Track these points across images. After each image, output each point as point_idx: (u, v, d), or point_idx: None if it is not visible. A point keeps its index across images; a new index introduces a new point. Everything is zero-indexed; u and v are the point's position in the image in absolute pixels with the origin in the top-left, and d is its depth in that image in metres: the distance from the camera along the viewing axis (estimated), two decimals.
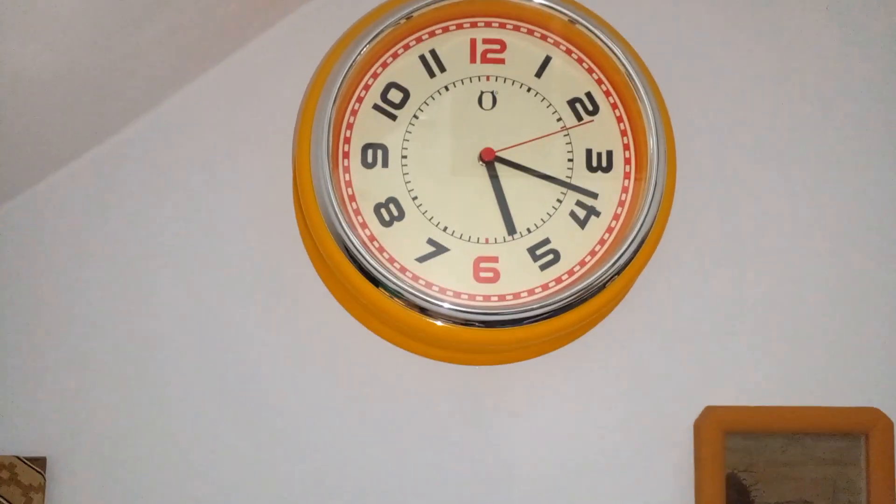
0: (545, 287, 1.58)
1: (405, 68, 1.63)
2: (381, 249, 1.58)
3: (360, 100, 1.62)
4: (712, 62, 1.74)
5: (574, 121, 1.64)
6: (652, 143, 1.59)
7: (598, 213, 1.61)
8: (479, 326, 1.56)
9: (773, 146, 1.73)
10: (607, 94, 1.65)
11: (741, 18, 1.75)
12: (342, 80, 1.57)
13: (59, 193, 1.64)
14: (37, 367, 1.60)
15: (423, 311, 1.54)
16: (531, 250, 1.60)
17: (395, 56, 1.63)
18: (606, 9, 1.67)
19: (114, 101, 1.60)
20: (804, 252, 1.71)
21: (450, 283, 1.57)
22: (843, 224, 1.72)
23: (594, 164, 1.63)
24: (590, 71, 1.65)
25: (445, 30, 1.64)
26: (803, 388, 1.68)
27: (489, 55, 1.64)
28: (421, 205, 1.60)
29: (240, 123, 1.67)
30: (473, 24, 1.65)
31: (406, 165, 1.61)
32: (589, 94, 1.64)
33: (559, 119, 1.64)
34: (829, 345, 1.69)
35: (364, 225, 1.58)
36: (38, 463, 1.56)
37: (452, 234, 1.59)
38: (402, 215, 1.59)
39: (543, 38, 1.66)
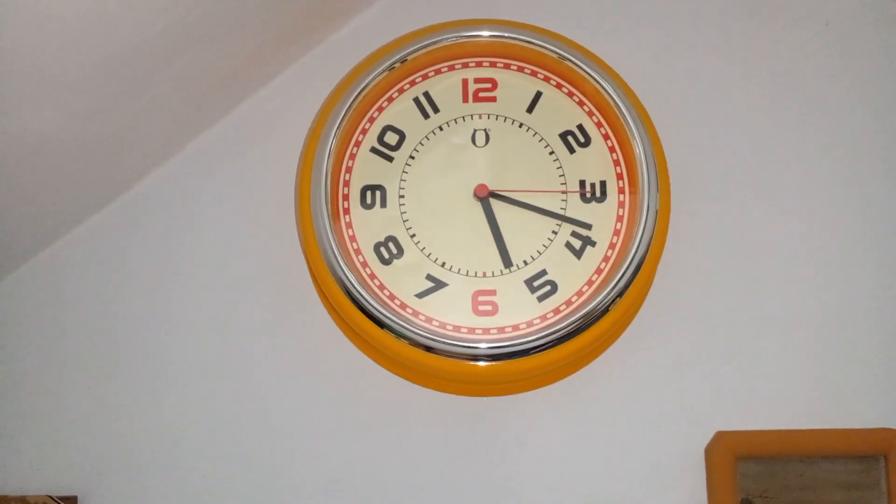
0: (544, 318, 1.61)
1: (400, 111, 1.69)
2: (381, 287, 1.62)
3: (357, 144, 1.68)
4: (706, 83, 1.75)
5: (566, 153, 1.66)
6: (642, 172, 1.60)
7: (593, 243, 1.63)
8: (485, 361, 1.58)
9: (772, 165, 1.73)
10: (598, 125, 1.67)
11: (736, 42, 1.77)
12: (338, 127, 1.64)
13: (79, 249, 1.72)
14: (66, 410, 1.67)
15: (428, 349, 1.58)
16: (528, 282, 1.62)
17: (390, 100, 1.69)
18: (596, 38, 1.71)
19: (126, 157, 1.69)
20: (813, 272, 1.70)
21: (450, 318, 1.60)
22: (851, 241, 1.71)
23: (588, 194, 1.65)
24: (580, 104, 1.68)
25: (438, 72, 1.70)
26: (817, 411, 1.66)
27: (481, 94, 1.69)
28: (419, 242, 1.64)
29: (248, 171, 1.74)
30: (465, 65, 1.70)
31: (403, 205, 1.65)
32: (580, 126, 1.67)
33: (552, 152, 1.67)
34: (842, 365, 1.67)
35: (364, 264, 1.63)
36: (69, 501, 1.62)
37: (450, 269, 1.63)
38: (400, 253, 1.64)
39: (534, 73, 1.70)
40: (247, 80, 1.72)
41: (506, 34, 1.67)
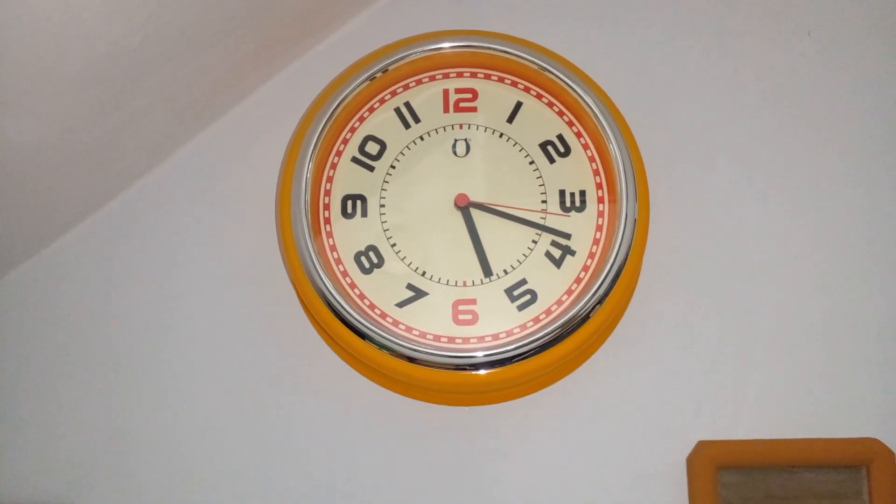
0: (523, 327, 1.61)
1: (381, 121, 1.70)
2: (361, 296, 1.62)
3: (339, 153, 1.69)
4: (686, 92, 1.76)
5: (546, 163, 1.67)
6: (621, 181, 1.61)
7: (573, 252, 1.63)
8: (466, 371, 1.58)
9: (754, 172, 1.73)
10: (578, 135, 1.68)
11: (717, 52, 1.77)
12: (319, 137, 1.65)
13: (66, 257, 1.73)
14: (58, 417, 1.68)
15: (410, 360, 1.58)
16: (508, 291, 1.62)
17: (371, 110, 1.70)
18: (576, 49, 1.72)
19: (108, 168, 1.70)
20: (796, 279, 1.70)
21: (430, 327, 1.61)
22: (834, 250, 1.71)
23: (568, 203, 1.65)
24: (560, 114, 1.69)
25: (419, 82, 1.71)
26: (799, 420, 1.65)
27: (461, 104, 1.70)
28: (399, 251, 1.64)
29: (231, 182, 1.75)
30: (446, 76, 1.71)
31: (384, 214, 1.66)
32: (560, 136, 1.68)
33: (531, 162, 1.67)
34: (825, 374, 1.67)
35: (345, 273, 1.63)
36: None
37: (431, 279, 1.63)
38: (381, 262, 1.64)
39: (514, 84, 1.70)
40: (229, 92, 1.73)
41: (486, 45, 1.68)
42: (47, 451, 1.67)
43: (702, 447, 1.62)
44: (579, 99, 1.65)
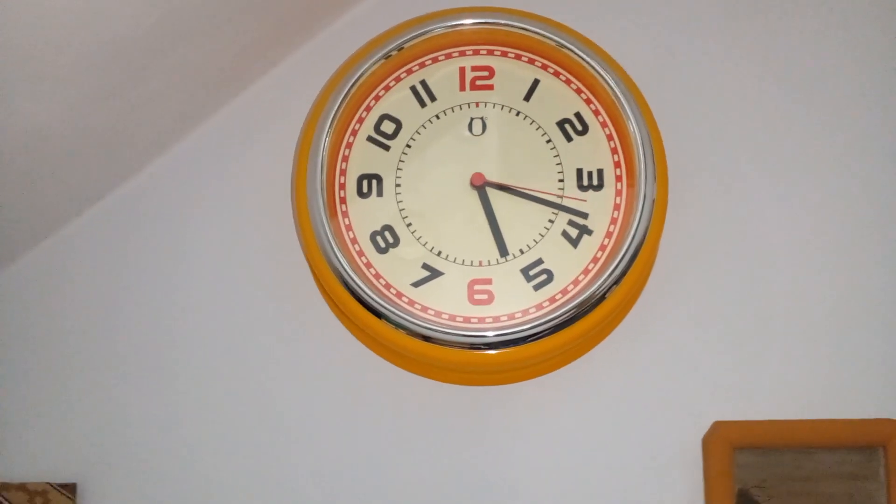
0: (539, 307, 1.60)
1: (397, 100, 1.68)
2: (377, 276, 1.62)
3: (354, 133, 1.68)
4: (706, 71, 1.74)
5: (564, 141, 1.65)
6: (639, 161, 1.59)
7: (590, 232, 1.62)
8: (482, 350, 1.58)
9: (772, 153, 1.72)
10: (596, 112, 1.66)
11: (737, 30, 1.75)
12: (334, 116, 1.64)
13: (76, 242, 1.73)
14: (66, 397, 1.69)
15: (426, 338, 1.58)
16: (524, 271, 1.62)
17: (386, 89, 1.69)
18: (595, 26, 1.70)
19: (123, 150, 1.69)
20: (812, 262, 1.69)
21: (445, 307, 1.60)
22: (850, 228, 1.69)
23: (585, 182, 1.64)
24: (578, 91, 1.67)
25: (435, 60, 1.69)
26: (816, 401, 1.64)
27: (478, 82, 1.68)
28: (415, 231, 1.64)
29: (246, 163, 1.74)
30: (462, 53, 1.69)
31: (400, 193, 1.65)
32: (578, 115, 1.67)
33: (549, 140, 1.66)
34: (841, 355, 1.66)
35: (361, 253, 1.63)
36: (69, 489, 1.63)
37: (446, 259, 1.63)
38: (396, 242, 1.64)
39: (531, 61, 1.69)
40: (243, 73, 1.72)
41: (503, 22, 1.66)
42: (52, 432, 1.68)
43: (717, 428, 1.62)
44: (597, 76, 1.64)
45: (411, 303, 1.61)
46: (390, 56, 1.66)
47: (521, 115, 1.67)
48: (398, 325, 1.58)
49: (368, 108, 1.68)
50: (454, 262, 1.62)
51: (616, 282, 1.57)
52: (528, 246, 1.63)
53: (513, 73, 1.68)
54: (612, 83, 1.63)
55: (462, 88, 1.68)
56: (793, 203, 1.70)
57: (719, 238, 1.69)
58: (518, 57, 1.69)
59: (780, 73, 1.74)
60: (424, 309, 1.60)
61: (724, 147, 1.72)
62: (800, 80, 1.74)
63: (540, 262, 1.62)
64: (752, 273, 1.68)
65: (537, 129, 1.66)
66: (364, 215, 1.64)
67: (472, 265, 1.62)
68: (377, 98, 1.68)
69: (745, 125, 1.73)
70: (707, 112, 1.73)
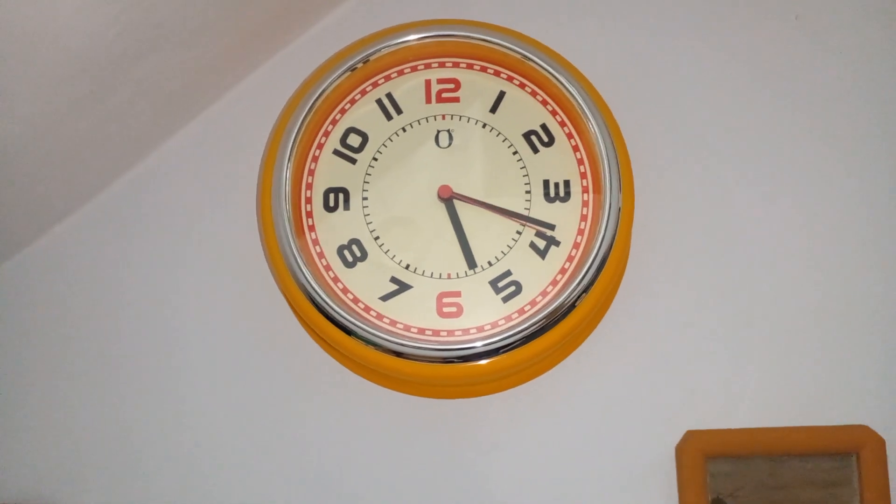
0: (508, 318, 1.59)
1: (363, 113, 1.68)
2: (345, 290, 1.61)
3: (320, 146, 1.67)
4: (671, 80, 1.74)
5: (530, 153, 1.65)
6: (605, 170, 1.59)
7: (557, 243, 1.62)
8: (452, 363, 1.57)
9: (742, 159, 1.72)
10: (562, 124, 1.66)
11: (703, 39, 1.76)
12: (300, 129, 1.63)
13: (53, 253, 1.72)
14: (42, 417, 1.67)
15: (397, 354, 1.57)
16: (493, 283, 1.61)
17: (352, 102, 1.68)
18: (560, 37, 1.70)
19: (88, 165, 1.68)
20: (783, 268, 1.69)
21: (414, 321, 1.59)
22: (823, 236, 1.69)
23: (552, 194, 1.64)
24: (544, 103, 1.67)
25: (401, 73, 1.69)
26: (788, 408, 1.64)
27: (444, 94, 1.68)
28: (383, 244, 1.63)
29: (213, 177, 1.73)
30: (427, 66, 1.69)
31: (367, 207, 1.64)
32: (544, 126, 1.66)
33: (515, 152, 1.66)
34: (814, 362, 1.66)
35: (328, 267, 1.62)
36: None
37: (415, 272, 1.62)
38: (364, 256, 1.63)
39: (497, 73, 1.69)
40: (210, 86, 1.71)
41: (468, 34, 1.66)
42: (27, 451, 1.66)
43: (690, 436, 1.61)
44: (562, 88, 1.64)
45: (380, 317, 1.60)
46: (356, 69, 1.66)
47: (487, 127, 1.67)
48: (368, 342, 1.56)
49: (334, 122, 1.68)
50: (423, 275, 1.62)
51: (584, 291, 1.57)
52: (496, 258, 1.62)
53: (478, 85, 1.68)
54: (576, 94, 1.63)
55: (428, 101, 1.68)
56: (764, 210, 1.70)
57: (690, 246, 1.69)
58: (483, 69, 1.69)
59: (747, 80, 1.74)
60: (393, 323, 1.59)
61: (692, 154, 1.72)
62: (768, 85, 1.74)
63: (508, 273, 1.61)
64: (724, 281, 1.68)
65: (504, 140, 1.66)
66: (331, 229, 1.63)
67: (440, 278, 1.61)
68: (343, 111, 1.68)
69: (713, 131, 1.73)
70: (673, 120, 1.73)
